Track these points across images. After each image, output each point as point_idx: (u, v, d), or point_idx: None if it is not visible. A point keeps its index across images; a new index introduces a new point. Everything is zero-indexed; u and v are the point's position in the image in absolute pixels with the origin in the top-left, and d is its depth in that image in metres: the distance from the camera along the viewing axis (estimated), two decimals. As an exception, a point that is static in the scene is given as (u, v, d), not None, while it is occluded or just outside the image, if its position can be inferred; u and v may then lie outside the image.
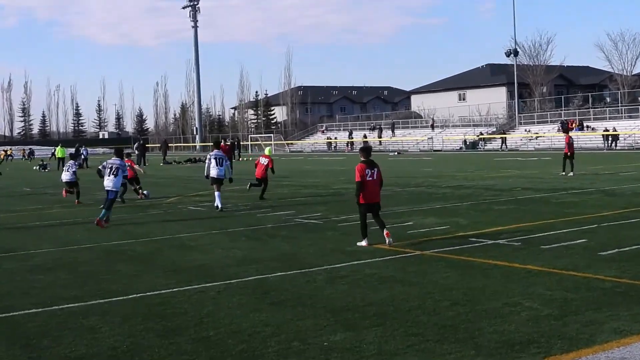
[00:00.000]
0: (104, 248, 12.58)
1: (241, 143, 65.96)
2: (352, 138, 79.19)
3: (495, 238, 11.87)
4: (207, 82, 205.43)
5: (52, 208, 20.59)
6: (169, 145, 77.52)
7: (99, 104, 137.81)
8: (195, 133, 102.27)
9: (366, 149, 12.19)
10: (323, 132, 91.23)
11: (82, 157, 51.39)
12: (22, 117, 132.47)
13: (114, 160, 16.56)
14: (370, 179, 11.74)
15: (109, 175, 16.26)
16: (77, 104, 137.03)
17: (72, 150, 53.23)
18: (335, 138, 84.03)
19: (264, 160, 21.50)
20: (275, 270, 9.88)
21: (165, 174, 38.28)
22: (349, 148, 76.87)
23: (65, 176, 22.46)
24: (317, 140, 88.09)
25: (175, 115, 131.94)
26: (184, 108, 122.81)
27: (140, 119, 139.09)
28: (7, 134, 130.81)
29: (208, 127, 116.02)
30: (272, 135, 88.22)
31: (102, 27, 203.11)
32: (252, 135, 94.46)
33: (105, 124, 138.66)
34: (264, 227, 14.57)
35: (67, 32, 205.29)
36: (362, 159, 11.95)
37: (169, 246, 12.53)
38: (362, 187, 11.69)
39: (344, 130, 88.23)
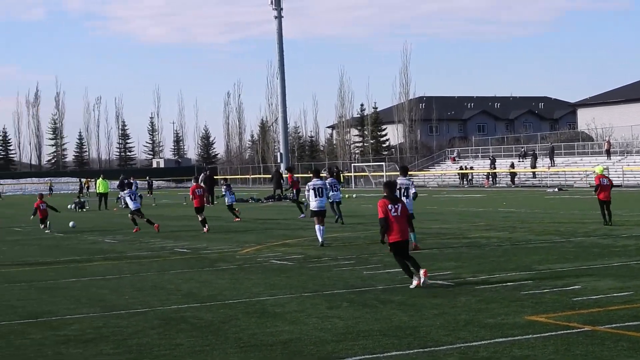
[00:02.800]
0: (159, 314, 12.93)
1: (342, 174, 66.51)
2: (495, 168, 78.55)
3: (699, 310, 11.55)
4: (296, 92, 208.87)
5: (92, 260, 21.31)
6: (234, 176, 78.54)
7: (151, 122, 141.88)
8: (279, 161, 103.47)
9: (391, 184, 14.96)
10: (454, 159, 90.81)
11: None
12: (52, 139, 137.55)
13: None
14: (396, 214, 14.10)
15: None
16: (123, 121, 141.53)
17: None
18: (471, 168, 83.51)
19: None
20: (388, 348, 9.91)
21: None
22: (490, 181, 76.20)
23: (134, 204, 30.21)
24: (446, 171, 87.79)
25: (252, 136, 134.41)
26: (264, 127, 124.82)
27: (207, 142, 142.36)
28: (34, 162, 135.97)
29: (297, 153, 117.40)
30: (383, 163, 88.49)
31: (152, 19, 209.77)
32: (356, 164, 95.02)
33: (161, 148, 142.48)
34: (373, 289, 14.63)
35: (105, 26, 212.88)
36: (385, 194, 14.41)
37: (245, 313, 12.76)
38: (388, 224, 14.08)
39: (482, 157, 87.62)
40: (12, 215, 47.43)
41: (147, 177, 76.44)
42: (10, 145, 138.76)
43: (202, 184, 50.06)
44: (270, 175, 77.62)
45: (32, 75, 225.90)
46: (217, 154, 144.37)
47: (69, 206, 51.85)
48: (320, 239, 22.29)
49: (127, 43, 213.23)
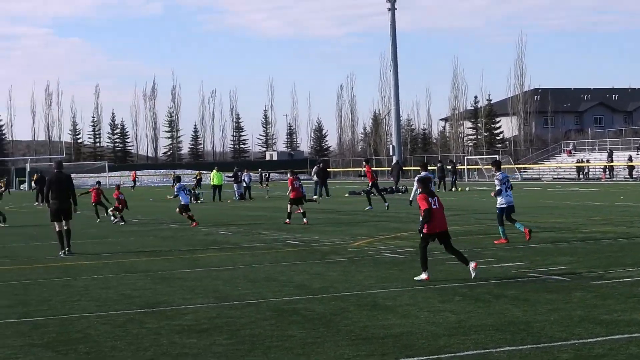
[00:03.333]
0: (272, 305, 13.09)
1: (456, 167, 66.04)
2: (612, 161, 76.88)
3: None
4: (409, 85, 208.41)
5: (206, 251, 21.69)
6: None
7: (265, 115, 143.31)
8: (391, 153, 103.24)
9: (425, 179, 16.08)
10: (570, 152, 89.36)
11: (244, 184, 53.56)
12: (168, 132, 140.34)
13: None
14: (435, 206, 15.03)
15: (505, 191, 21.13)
16: (237, 114, 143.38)
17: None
18: (588, 161, 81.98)
19: None
20: (501, 343, 9.84)
21: (350, 207, 39.03)
22: (608, 175, 74.63)
23: (185, 199, 30.68)
24: (562, 164, 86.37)
25: (365, 129, 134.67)
26: (376, 120, 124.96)
27: (319, 135, 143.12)
28: (150, 154, 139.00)
29: (409, 145, 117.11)
30: (497, 156, 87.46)
31: (266, 12, 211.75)
32: (469, 157, 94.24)
33: (274, 140, 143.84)
34: (486, 284, 14.52)
35: (220, 20, 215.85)
36: (420, 190, 15.52)
37: (357, 305, 12.82)
38: (430, 215, 14.91)
39: (599, 150, 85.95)
40: (129, 207, 48.51)
41: (260, 170, 77.17)
42: (128, 138, 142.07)
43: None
44: (389, 168, 77.51)
45: (149, 69, 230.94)
46: (329, 147, 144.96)
47: (167, 197, 52.59)
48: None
49: (242, 36, 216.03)
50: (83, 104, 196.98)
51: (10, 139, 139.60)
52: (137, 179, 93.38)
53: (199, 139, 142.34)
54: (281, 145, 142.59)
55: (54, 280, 16.73)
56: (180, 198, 30.75)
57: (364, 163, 38.83)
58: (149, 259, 20.21)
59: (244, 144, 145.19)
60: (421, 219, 15.35)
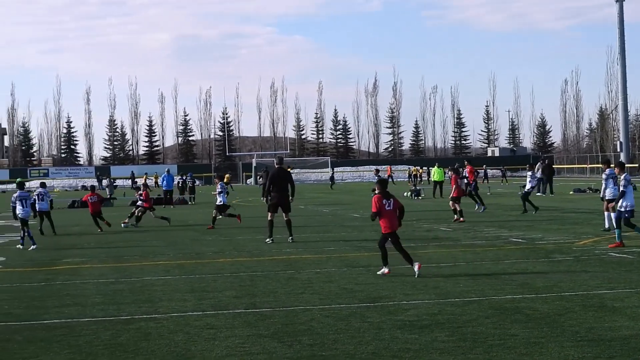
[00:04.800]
0: (494, 303, 12.98)
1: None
2: None
3: None
4: (637, 78, 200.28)
5: (427, 247, 21.71)
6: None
7: (487, 111, 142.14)
8: (618, 150, 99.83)
9: (383, 181, 16.85)
10: None
11: (465, 180, 53.24)
12: (389, 128, 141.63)
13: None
14: (389, 208, 16.23)
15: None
16: (458, 110, 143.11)
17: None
18: None
19: None
20: None
21: (575, 205, 38.09)
22: None
23: (222, 198, 30.51)
24: None
25: (590, 124, 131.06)
26: (602, 115, 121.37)
27: (542, 130, 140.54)
28: (372, 150, 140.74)
29: (637, 142, 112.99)
30: None
31: (489, 6, 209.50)
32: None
33: (496, 136, 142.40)
34: None
35: (443, 15, 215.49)
36: (378, 191, 16.44)
37: (582, 306, 12.52)
38: (380, 216, 16.25)
39: None
40: (351, 202, 49.40)
41: (484, 166, 76.65)
42: (350, 134, 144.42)
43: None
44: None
45: (370, 65, 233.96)
46: (553, 143, 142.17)
47: (404, 194, 53.06)
48: (606, 225, 24.04)
49: (464, 31, 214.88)
50: (306, 100, 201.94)
51: (238, 135, 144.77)
52: (392, 174, 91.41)
53: (420, 135, 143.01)
54: (503, 141, 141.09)
55: (279, 273, 17.22)
56: (219, 198, 30.84)
57: (465, 162, 38.14)
58: (370, 254, 20.42)
59: (465, 139, 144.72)
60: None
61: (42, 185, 31.14)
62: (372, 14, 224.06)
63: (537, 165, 48.24)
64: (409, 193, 52.76)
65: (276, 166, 24.23)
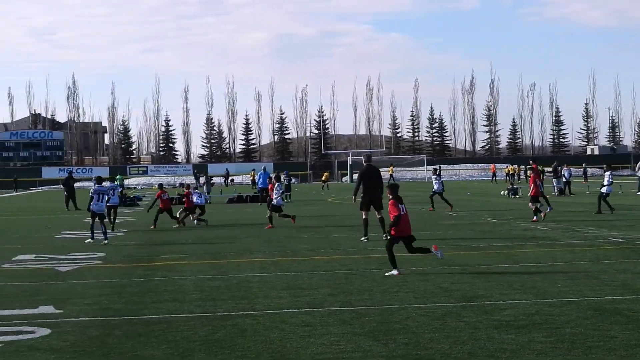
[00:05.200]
0: (593, 304, 12.75)
1: None
2: None
3: None
4: None
5: (524, 246, 21.44)
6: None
7: (586, 108, 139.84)
8: None
9: (394, 187, 17.20)
10: None
11: (564, 179, 52.50)
12: (486, 126, 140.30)
13: None
14: (403, 213, 16.44)
15: None
16: (557, 108, 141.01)
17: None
18: None
19: None
20: None
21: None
22: None
23: (278, 200, 29.78)
24: None
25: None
26: None
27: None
28: (468, 148, 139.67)
29: None
30: None
31: (589, 2, 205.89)
32: None
33: (595, 134, 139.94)
34: None
35: (540, 12, 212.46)
36: (391, 196, 16.66)
37: (685, 309, 12.22)
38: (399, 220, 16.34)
39: None
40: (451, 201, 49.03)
41: (584, 165, 75.43)
42: (446, 132, 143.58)
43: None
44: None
45: (467, 62, 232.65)
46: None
47: (502, 192, 52.50)
48: None
49: (563, 28, 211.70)
50: (402, 98, 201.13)
51: (333, 133, 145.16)
52: (496, 172, 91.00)
53: (517, 133, 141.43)
54: (603, 140, 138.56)
55: (374, 271, 17.19)
56: (275, 199, 30.35)
57: (530, 162, 35.93)
58: (466, 252, 20.28)
59: (563, 137, 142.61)
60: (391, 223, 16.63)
61: (112, 179, 33.21)
62: (468, 11, 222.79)
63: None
64: (506, 191, 52.21)
65: (365, 164, 24.18)
